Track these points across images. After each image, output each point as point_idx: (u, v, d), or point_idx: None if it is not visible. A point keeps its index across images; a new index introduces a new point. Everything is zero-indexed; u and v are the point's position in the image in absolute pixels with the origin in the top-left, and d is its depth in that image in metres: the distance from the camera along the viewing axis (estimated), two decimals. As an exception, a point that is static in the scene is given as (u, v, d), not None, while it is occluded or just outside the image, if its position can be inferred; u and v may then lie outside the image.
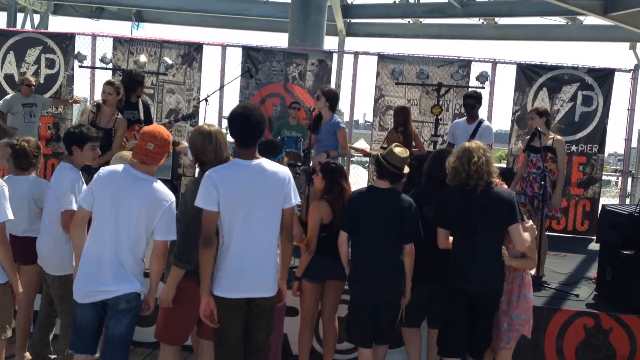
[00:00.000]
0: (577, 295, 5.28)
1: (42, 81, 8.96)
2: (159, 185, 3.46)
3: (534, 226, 4.21)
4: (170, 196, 3.46)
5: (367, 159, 10.33)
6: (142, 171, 3.44)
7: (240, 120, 3.32)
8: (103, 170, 3.49)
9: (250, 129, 3.32)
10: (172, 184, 6.40)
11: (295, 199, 3.42)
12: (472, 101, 6.65)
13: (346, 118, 10.46)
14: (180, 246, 3.43)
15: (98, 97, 6.52)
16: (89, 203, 3.41)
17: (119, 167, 3.51)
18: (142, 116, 6.78)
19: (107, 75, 8.70)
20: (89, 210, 3.42)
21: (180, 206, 3.65)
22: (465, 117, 6.80)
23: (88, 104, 9.27)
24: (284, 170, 3.40)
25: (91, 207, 3.41)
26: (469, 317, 3.93)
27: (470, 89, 7.72)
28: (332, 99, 6.31)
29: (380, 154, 4.07)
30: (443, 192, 4.02)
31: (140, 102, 6.79)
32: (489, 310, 3.95)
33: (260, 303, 3.35)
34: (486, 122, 6.66)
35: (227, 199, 3.23)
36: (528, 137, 5.98)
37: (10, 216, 3.53)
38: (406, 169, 4.06)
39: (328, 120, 6.27)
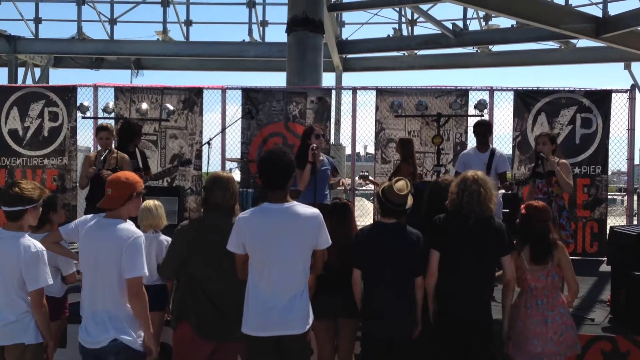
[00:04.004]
0: (593, 320, 5.22)
1: (46, 134, 9.08)
2: (123, 225, 3.42)
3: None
4: (133, 232, 3.42)
5: (371, 190, 10.37)
6: (110, 217, 3.46)
7: (267, 165, 3.48)
8: (84, 230, 3.51)
9: (275, 173, 3.46)
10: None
11: (327, 242, 3.54)
12: (483, 129, 6.69)
13: (348, 151, 10.55)
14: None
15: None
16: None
17: (92, 220, 3.52)
18: (141, 164, 6.87)
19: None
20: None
21: None
22: (475, 146, 6.79)
23: (92, 151, 9.39)
24: (314, 213, 3.49)
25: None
26: (462, 350, 3.93)
27: (479, 118, 7.76)
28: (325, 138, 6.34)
29: (382, 189, 4.07)
30: (439, 216, 4.06)
31: (137, 151, 6.90)
32: (481, 341, 3.95)
33: (290, 345, 3.41)
34: (499, 151, 6.70)
35: (253, 242, 3.40)
36: (533, 164, 6.03)
37: (50, 281, 3.51)
38: (410, 201, 4.06)
39: (324, 161, 6.21)
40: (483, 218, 3.92)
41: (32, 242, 3.50)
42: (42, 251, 3.50)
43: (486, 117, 8.31)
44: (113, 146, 6.40)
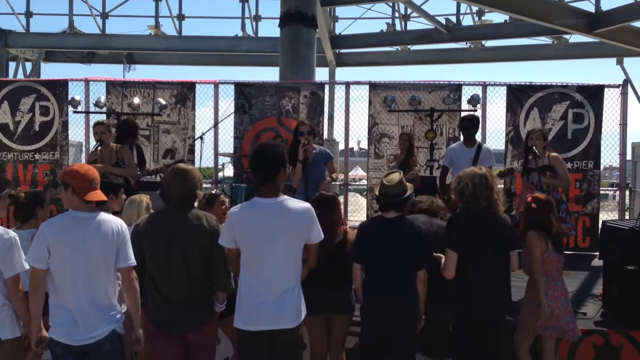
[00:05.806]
0: (585, 314, 5.24)
1: (37, 129, 9.01)
2: (105, 217, 3.39)
3: None
4: (121, 223, 3.44)
5: (364, 186, 10.34)
6: (85, 210, 3.35)
7: (255, 158, 3.47)
8: (48, 225, 3.35)
9: (263, 167, 3.44)
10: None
11: (320, 236, 3.52)
12: (468, 124, 6.68)
13: (341, 147, 10.52)
14: None
15: (93, 140, 6.68)
16: (44, 262, 3.26)
17: (65, 215, 3.41)
18: (136, 161, 6.86)
19: (101, 120, 8.78)
20: (45, 269, 3.28)
21: None
22: (462, 141, 6.80)
23: (83, 147, 9.37)
24: (305, 207, 3.48)
25: (47, 265, 3.27)
26: (477, 341, 3.92)
27: (467, 113, 7.75)
28: (315, 132, 6.22)
29: (377, 191, 4.03)
30: (455, 213, 4.07)
31: (134, 147, 6.88)
32: (497, 333, 4.00)
33: (282, 339, 3.41)
34: (486, 146, 6.69)
35: (243, 237, 3.40)
36: (522, 160, 6.05)
37: (26, 267, 3.45)
38: (410, 190, 4.04)
39: (317, 152, 6.09)
40: (495, 214, 3.96)
41: (3, 230, 3.47)
42: (15, 237, 3.48)
43: (479, 112, 8.31)
44: (111, 141, 6.45)
